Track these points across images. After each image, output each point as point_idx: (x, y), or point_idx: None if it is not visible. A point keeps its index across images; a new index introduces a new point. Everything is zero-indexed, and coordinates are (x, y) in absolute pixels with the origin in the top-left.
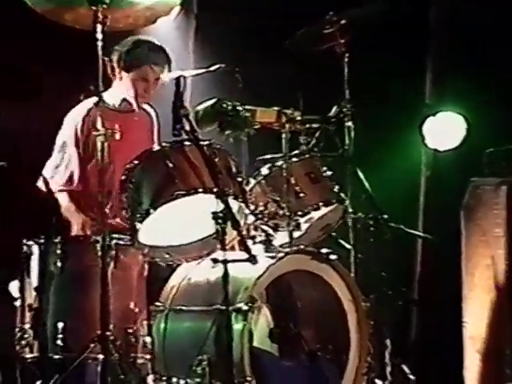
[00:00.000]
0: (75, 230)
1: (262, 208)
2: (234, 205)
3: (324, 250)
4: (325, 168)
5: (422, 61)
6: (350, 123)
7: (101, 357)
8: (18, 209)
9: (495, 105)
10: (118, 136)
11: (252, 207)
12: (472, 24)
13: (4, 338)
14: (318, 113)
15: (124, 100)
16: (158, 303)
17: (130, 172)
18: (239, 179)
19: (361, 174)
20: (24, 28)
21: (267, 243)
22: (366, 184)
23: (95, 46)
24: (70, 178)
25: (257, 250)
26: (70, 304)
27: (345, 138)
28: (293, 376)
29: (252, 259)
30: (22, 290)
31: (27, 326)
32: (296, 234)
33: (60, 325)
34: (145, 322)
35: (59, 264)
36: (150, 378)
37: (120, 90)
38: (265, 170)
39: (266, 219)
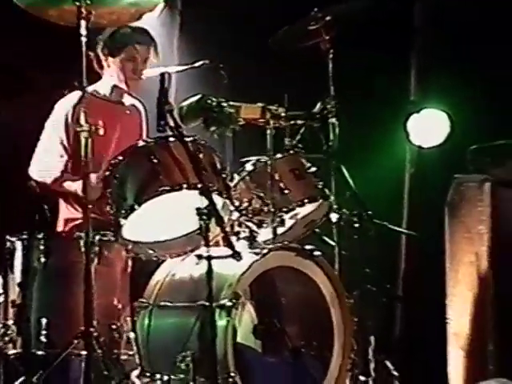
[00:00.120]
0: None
1: (246, 204)
2: (219, 201)
3: (308, 247)
4: (309, 164)
5: (406, 57)
6: (334, 120)
7: (84, 353)
8: (1, 204)
9: (480, 101)
10: (101, 132)
11: (236, 203)
12: (456, 20)
13: None
14: (303, 109)
15: (114, 87)
16: (141, 299)
17: (115, 167)
18: (224, 175)
19: (345, 171)
20: (19, 28)
21: (251, 239)
22: (350, 181)
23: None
24: (66, 166)
25: (241, 246)
26: (53, 300)
27: (329, 135)
28: (276, 372)
29: (236, 255)
30: (5, 285)
31: (10, 322)
32: (280, 231)
33: (43, 321)
34: (128, 318)
35: (42, 260)
36: (134, 374)
37: (110, 77)
38: (249, 166)
39: (250, 215)
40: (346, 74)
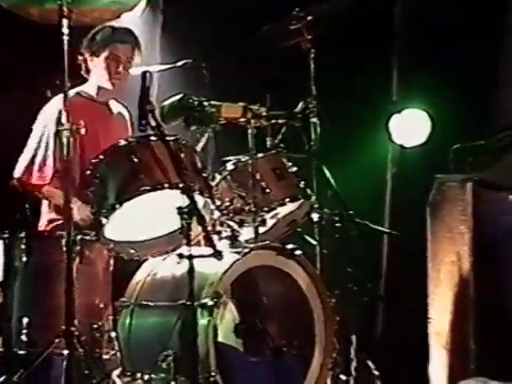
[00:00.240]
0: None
1: (227, 203)
2: (200, 200)
3: (289, 246)
4: (290, 164)
5: (387, 57)
6: (315, 119)
7: (66, 352)
8: None
9: (461, 101)
10: (82, 131)
11: (218, 203)
12: (437, 21)
13: None
14: (285, 109)
15: (100, 88)
16: (123, 298)
17: (96, 167)
18: (205, 175)
19: (326, 171)
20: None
21: (233, 239)
22: (332, 180)
23: (61, 41)
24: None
25: (222, 245)
26: (34, 299)
27: (311, 134)
28: (258, 371)
29: (217, 255)
30: None
31: None
32: (262, 230)
33: (25, 320)
34: (110, 318)
35: (24, 259)
36: (115, 374)
37: (95, 78)
38: (230, 166)
39: (231, 215)
40: (328, 73)
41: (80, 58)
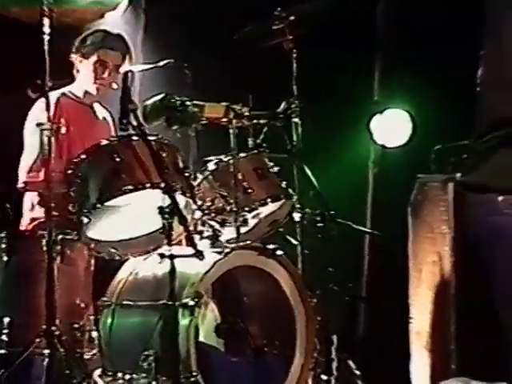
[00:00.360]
0: (25, 223)
1: (209, 203)
2: (181, 200)
3: (271, 246)
4: (272, 164)
5: (369, 57)
6: (297, 119)
7: (47, 352)
8: None
9: (443, 101)
10: (63, 130)
11: (199, 202)
12: (420, 20)
13: None
14: (267, 109)
15: (86, 93)
16: (104, 298)
17: (77, 166)
18: (186, 174)
19: (308, 171)
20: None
21: (214, 238)
22: (314, 180)
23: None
24: None
25: (204, 245)
26: (15, 299)
27: (292, 134)
28: (239, 371)
29: (198, 255)
30: None
31: None
32: (243, 230)
33: (5, 320)
34: (91, 317)
35: (5, 258)
36: (96, 373)
37: (83, 80)
38: (212, 166)
39: (213, 214)
40: (310, 73)
41: (73, 56)
